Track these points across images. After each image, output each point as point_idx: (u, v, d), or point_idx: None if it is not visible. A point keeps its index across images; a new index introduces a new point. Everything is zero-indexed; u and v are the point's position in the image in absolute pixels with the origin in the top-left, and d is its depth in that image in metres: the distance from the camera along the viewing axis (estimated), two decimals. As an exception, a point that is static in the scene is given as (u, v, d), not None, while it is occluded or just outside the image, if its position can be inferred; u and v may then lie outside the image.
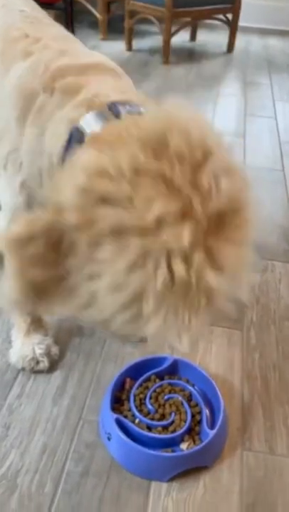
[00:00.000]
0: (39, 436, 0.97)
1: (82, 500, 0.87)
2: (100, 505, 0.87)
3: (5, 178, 0.86)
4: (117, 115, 0.63)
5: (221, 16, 3.43)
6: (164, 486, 0.90)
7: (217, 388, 1.01)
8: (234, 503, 0.88)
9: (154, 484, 0.90)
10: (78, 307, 0.55)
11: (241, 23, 3.55)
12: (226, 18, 3.45)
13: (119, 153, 0.51)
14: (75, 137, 0.65)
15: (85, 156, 0.54)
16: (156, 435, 0.93)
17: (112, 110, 0.64)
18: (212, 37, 3.88)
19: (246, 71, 3.20)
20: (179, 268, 0.48)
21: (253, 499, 0.89)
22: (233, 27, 3.47)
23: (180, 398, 1.00)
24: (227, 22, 3.46)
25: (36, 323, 1.11)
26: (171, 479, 0.91)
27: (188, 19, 3.29)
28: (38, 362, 1.08)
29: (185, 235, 0.48)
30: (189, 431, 0.96)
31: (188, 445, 0.94)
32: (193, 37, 3.79)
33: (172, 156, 0.51)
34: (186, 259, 0.48)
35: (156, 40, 3.59)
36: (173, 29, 3.11)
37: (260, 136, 2.29)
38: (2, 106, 0.82)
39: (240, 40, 3.67)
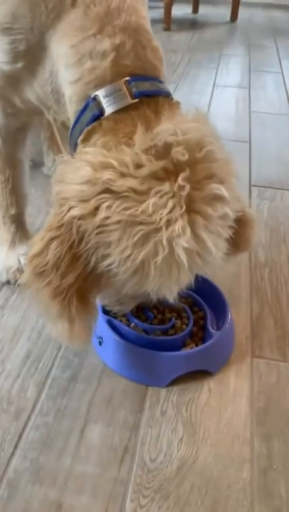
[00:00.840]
0: (23, 343, 0.87)
1: (68, 405, 0.76)
2: (90, 409, 0.76)
3: None
4: (133, 95, 0.65)
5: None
6: (163, 390, 0.79)
7: (223, 295, 0.90)
8: (243, 407, 0.77)
9: (151, 389, 0.79)
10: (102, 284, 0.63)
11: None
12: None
13: (125, 153, 0.58)
14: (92, 110, 0.66)
15: (91, 152, 0.61)
16: (154, 337, 0.82)
17: (131, 90, 0.65)
18: (214, 10, 3.78)
19: (250, 36, 3.09)
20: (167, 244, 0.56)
21: (264, 403, 0.78)
22: (236, -3, 3.37)
23: (181, 304, 0.89)
24: (230, -9, 3.36)
25: (21, 233, 1.00)
26: (171, 384, 0.80)
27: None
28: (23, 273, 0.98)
29: (178, 224, 0.56)
30: (191, 335, 0.85)
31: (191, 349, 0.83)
32: (195, 9, 3.69)
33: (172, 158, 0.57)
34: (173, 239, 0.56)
35: (156, 13, 3.50)
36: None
37: (266, 88, 2.17)
38: None
39: (243, 13, 3.56)
